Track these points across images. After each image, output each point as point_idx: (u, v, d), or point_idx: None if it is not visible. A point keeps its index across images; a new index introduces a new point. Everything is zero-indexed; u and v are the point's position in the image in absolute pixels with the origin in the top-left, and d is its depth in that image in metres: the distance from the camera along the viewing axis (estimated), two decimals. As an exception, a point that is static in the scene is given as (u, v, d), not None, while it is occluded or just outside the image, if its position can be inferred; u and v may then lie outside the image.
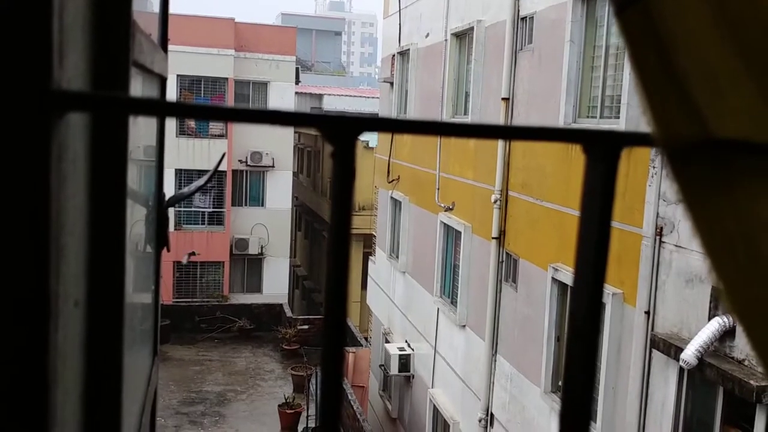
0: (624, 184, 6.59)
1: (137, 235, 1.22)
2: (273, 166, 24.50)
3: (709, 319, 5.62)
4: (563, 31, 8.07)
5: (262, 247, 24.53)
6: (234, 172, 24.01)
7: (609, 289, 6.87)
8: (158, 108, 0.40)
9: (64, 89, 0.38)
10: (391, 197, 14.75)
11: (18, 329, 0.44)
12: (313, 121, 0.41)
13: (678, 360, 5.73)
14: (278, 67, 24.57)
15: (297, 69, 25.59)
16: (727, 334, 5.50)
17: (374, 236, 16.69)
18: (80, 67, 0.60)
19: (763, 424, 5.15)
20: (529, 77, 9.10)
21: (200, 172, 22.21)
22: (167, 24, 1.71)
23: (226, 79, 23.69)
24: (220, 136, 23.67)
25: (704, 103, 0.41)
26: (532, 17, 9.04)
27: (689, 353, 5.53)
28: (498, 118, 9.69)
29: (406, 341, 13.75)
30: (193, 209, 23.83)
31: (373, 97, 30.34)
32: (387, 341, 14.65)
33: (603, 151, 0.44)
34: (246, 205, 24.71)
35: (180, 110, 0.41)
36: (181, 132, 23.15)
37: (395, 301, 14.71)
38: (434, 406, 12.03)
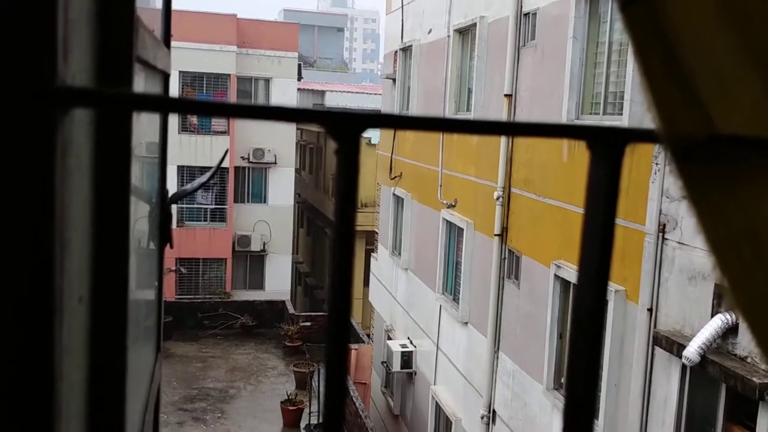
0: (627, 181, 6.58)
1: (140, 232, 1.22)
2: (275, 163, 24.51)
3: (712, 316, 5.62)
4: (566, 27, 8.05)
5: (264, 244, 24.55)
6: (236, 168, 24.02)
7: (612, 286, 6.87)
8: (162, 104, 0.40)
9: (68, 85, 0.38)
10: (394, 194, 14.75)
11: (23, 325, 0.44)
12: (318, 117, 0.41)
13: (680, 357, 5.72)
14: (280, 63, 24.56)
15: (299, 65, 25.58)
16: (729, 331, 5.49)
17: (376, 233, 16.69)
18: (84, 63, 0.60)
19: (766, 421, 5.15)
20: (532, 73, 9.08)
21: (202, 169, 22.23)
22: (170, 20, 1.71)
23: (229, 75, 23.69)
24: (223, 132, 23.68)
25: (709, 99, 0.41)
26: (535, 13, 9.02)
27: (692, 350, 5.52)
28: (501, 114, 9.67)
29: (409, 338, 13.76)
30: (195, 206, 23.85)
31: (375, 94, 30.32)
32: (389, 338, 14.66)
33: (607, 148, 0.44)
34: (248, 201, 24.72)
35: (184, 106, 0.41)
36: (184, 128, 23.16)
37: (397, 298, 14.72)
38: (436, 402, 12.05)
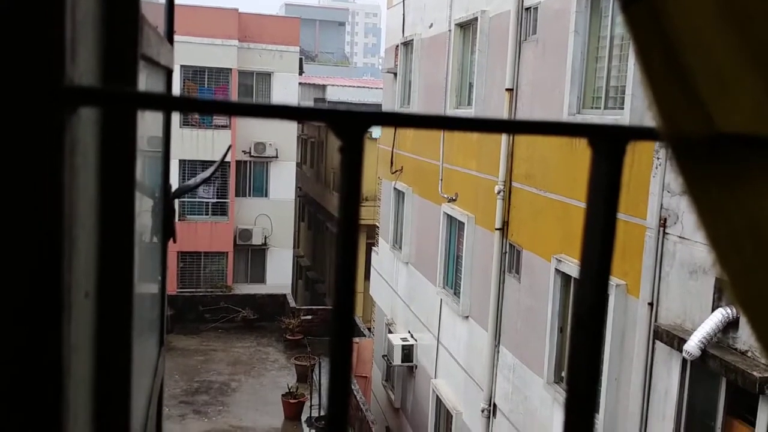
0: (628, 175, 6.58)
1: (144, 226, 1.23)
2: (276, 157, 24.49)
3: (713, 310, 5.63)
4: (568, 22, 8.03)
5: (265, 238, 24.56)
6: (238, 162, 24.00)
7: (612, 281, 6.88)
8: (168, 103, 0.40)
9: (76, 85, 0.38)
10: (395, 188, 14.74)
11: (32, 321, 0.44)
12: (322, 116, 0.42)
13: (681, 351, 5.73)
14: (282, 57, 24.51)
15: (300, 59, 25.52)
16: (730, 326, 5.50)
17: (377, 227, 16.70)
18: (90, 63, 0.60)
19: (766, 415, 5.16)
20: (533, 68, 9.06)
21: (204, 163, 22.22)
22: (173, 16, 1.71)
23: (230, 69, 23.64)
24: (224, 126, 23.65)
25: (709, 98, 0.42)
26: (537, 7, 8.99)
27: (692, 344, 5.53)
28: (502, 109, 9.66)
29: (409, 332, 13.79)
30: (197, 200, 23.85)
31: (376, 88, 30.26)
32: (390, 332, 14.69)
33: (609, 146, 0.44)
34: (250, 195, 24.72)
35: (190, 105, 0.42)
36: (185, 123, 23.13)
37: (398, 292, 14.73)
38: (437, 396, 12.08)
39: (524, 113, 9.27)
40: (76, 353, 0.57)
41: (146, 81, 1.13)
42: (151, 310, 1.52)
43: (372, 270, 17.17)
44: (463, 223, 11.09)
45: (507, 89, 9.51)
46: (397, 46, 14.78)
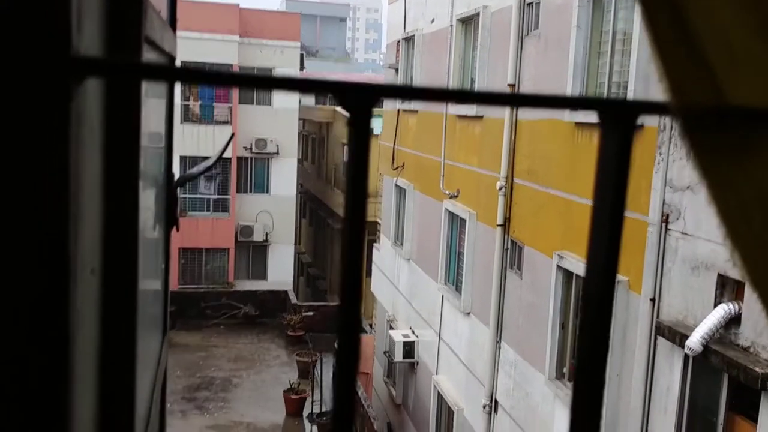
0: (630, 171, 6.56)
1: (147, 214, 1.23)
2: (278, 153, 24.49)
3: (715, 306, 5.62)
4: (570, 16, 8.01)
5: (266, 234, 24.58)
6: (239, 159, 24.00)
7: (614, 276, 6.86)
8: (173, 74, 0.40)
9: (83, 55, 0.38)
10: (396, 184, 14.74)
11: (40, 290, 0.44)
12: (329, 88, 0.41)
13: (683, 347, 5.73)
14: (283, 53, 24.49)
15: (301, 55, 25.51)
16: (732, 321, 5.50)
17: (379, 223, 16.70)
18: (95, 41, 0.60)
19: (768, 410, 5.16)
20: (535, 63, 9.05)
21: (205, 159, 22.21)
22: (176, 4, 1.70)
23: (231, 65, 23.62)
24: (225, 122, 23.65)
25: (719, 69, 0.41)
26: (539, 2, 8.97)
27: (694, 340, 5.53)
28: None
29: (411, 328, 13.79)
30: (198, 196, 23.87)
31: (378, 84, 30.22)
32: (391, 328, 14.70)
33: (618, 120, 0.44)
34: (251, 192, 24.73)
35: (196, 76, 0.41)
36: (186, 119, 23.13)
37: (400, 289, 14.74)
38: (438, 392, 12.09)
39: (526, 109, 9.26)
40: (83, 328, 0.57)
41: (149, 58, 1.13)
42: (155, 299, 1.52)
43: (373, 266, 17.18)
44: (465, 220, 11.08)
45: (509, 84, 9.50)
46: (399, 41, 14.76)
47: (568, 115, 8.01)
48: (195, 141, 23.05)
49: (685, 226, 6.08)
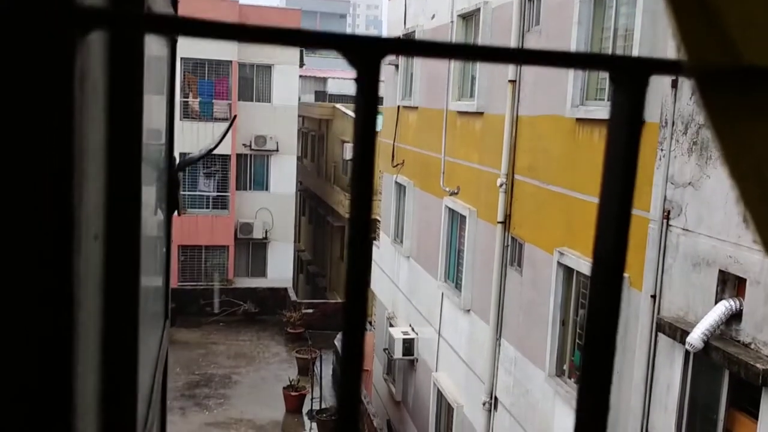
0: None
1: (150, 196, 1.21)
2: (277, 150, 24.48)
3: (716, 302, 5.61)
4: (571, 12, 8.00)
5: (266, 232, 24.57)
6: (238, 156, 23.99)
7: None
8: (178, 25, 0.39)
9: (88, 6, 0.37)
10: (396, 181, 14.73)
11: (44, 254, 0.43)
12: (335, 42, 0.40)
13: (684, 343, 5.72)
14: (282, 50, 24.47)
15: (301, 52, 25.47)
16: (733, 318, 5.49)
17: (378, 221, 16.69)
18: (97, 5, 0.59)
19: (768, 406, 5.15)
20: (536, 60, 9.03)
21: (205, 155, 22.21)
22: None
23: (230, 62, 23.61)
24: (225, 119, 23.63)
25: (734, 27, 0.40)
26: (540, -2, 8.96)
27: (695, 336, 5.52)
28: (504, 101, 9.63)
29: (410, 325, 13.79)
30: (197, 193, 23.86)
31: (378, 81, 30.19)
32: (391, 325, 14.70)
33: (630, 78, 0.43)
34: (250, 189, 24.72)
35: (200, 28, 0.40)
36: (186, 116, 23.12)
37: (399, 286, 14.74)
38: (438, 389, 12.09)
39: (527, 105, 9.25)
40: (86, 295, 0.56)
41: (154, 41, 1.12)
42: (157, 289, 1.51)
43: (373, 264, 17.18)
44: (465, 217, 11.08)
45: (510, 81, 9.49)
46: (399, 37, 14.73)
47: (569, 111, 8.00)
48: (194, 138, 23.02)
49: (687, 223, 6.07)
